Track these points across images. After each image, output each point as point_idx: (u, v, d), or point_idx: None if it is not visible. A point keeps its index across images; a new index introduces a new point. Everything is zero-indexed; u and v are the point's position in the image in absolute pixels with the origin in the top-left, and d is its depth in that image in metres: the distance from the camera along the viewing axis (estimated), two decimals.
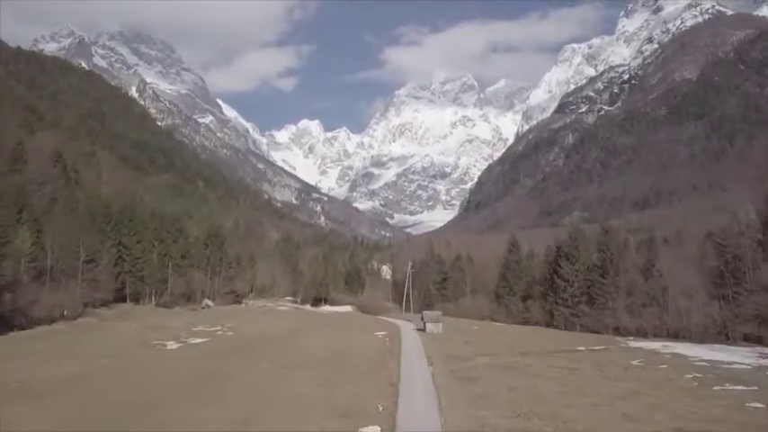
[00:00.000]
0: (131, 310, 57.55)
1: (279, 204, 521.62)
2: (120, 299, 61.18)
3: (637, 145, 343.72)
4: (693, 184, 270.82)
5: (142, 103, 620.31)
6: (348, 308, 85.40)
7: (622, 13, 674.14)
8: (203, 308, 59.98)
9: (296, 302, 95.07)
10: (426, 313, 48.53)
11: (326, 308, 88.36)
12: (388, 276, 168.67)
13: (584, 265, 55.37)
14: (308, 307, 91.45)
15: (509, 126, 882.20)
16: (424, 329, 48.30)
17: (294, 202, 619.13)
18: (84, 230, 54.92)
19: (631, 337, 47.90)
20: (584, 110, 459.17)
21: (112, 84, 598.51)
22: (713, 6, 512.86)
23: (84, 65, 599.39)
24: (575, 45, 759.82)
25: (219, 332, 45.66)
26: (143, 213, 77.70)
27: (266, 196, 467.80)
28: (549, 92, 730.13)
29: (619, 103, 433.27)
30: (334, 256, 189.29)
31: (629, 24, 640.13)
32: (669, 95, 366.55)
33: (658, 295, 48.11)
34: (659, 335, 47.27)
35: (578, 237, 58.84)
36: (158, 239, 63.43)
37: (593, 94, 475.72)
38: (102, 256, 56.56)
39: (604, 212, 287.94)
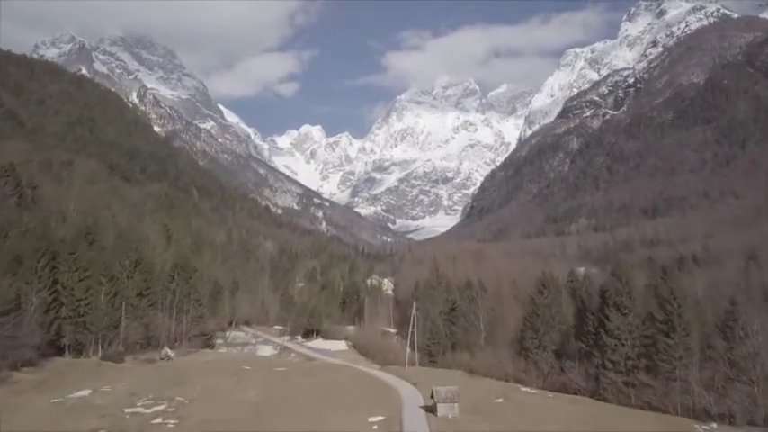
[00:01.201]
0: (65, 369, 45.17)
1: (280, 211, 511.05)
2: (60, 350, 48.83)
3: (644, 150, 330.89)
4: (704, 190, 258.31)
5: (143, 108, 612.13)
6: (342, 344, 73.00)
7: (625, 16, 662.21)
8: (162, 359, 47.88)
9: (285, 333, 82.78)
10: (438, 390, 36.20)
11: (318, 342, 75.87)
12: (390, 291, 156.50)
13: (638, 317, 42.51)
14: (297, 341, 79.08)
15: (511, 131, 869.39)
16: (434, 410, 35.95)
17: (296, 207, 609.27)
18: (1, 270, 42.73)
19: (714, 424, 35.59)
20: (588, 114, 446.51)
21: (112, 89, 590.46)
22: (718, 10, 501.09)
23: (84, 71, 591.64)
24: (577, 49, 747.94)
25: (159, 419, 33.38)
26: (103, 238, 65.44)
27: (265, 203, 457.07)
28: (552, 96, 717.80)
29: (624, 108, 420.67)
30: (333, 271, 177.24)
31: (632, 28, 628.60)
32: (676, 99, 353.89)
33: (747, 365, 35.72)
34: (755, 422, 34.85)
35: (629, 280, 45.13)
36: (108, 276, 50.89)
37: (597, 99, 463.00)
38: (29, 301, 44.36)
39: (612, 220, 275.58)
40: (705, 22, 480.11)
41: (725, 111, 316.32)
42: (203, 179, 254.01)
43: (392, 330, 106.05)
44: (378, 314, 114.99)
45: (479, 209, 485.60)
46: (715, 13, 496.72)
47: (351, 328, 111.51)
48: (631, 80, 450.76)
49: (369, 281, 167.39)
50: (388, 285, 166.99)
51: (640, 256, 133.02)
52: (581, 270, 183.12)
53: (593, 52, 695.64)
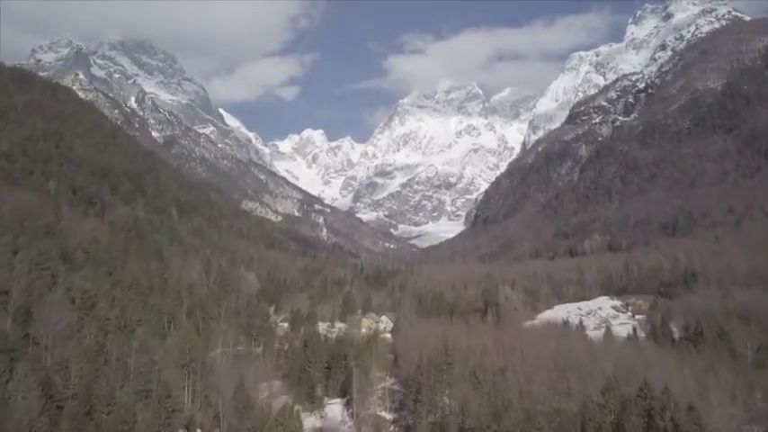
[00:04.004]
0: None
1: (280, 218, 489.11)
2: None
3: (659, 160, 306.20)
4: (729, 205, 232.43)
5: (141, 113, 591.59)
6: None
7: (631, 19, 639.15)
8: None
9: None
10: None
11: None
12: (388, 334, 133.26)
13: None
14: None
15: (515, 135, 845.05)
16: None
17: (296, 214, 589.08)
18: None
19: None
20: (597, 120, 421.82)
21: (110, 95, 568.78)
22: (729, 12, 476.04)
23: (81, 75, 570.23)
24: (582, 53, 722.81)
25: None
26: None
27: (261, 212, 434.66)
28: (557, 100, 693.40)
29: (635, 114, 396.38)
30: (324, 306, 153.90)
31: (638, 31, 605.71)
32: (692, 106, 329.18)
33: None
34: None
35: None
36: None
37: (605, 104, 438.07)
38: None
39: (628, 237, 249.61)
40: (717, 25, 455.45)
41: (746, 119, 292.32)
42: (188, 195, 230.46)
43: (387, 417, 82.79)
44: (371, 384, 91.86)
45: (484, 218, 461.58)
46: (726, 16, 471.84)
47: (335, 404, 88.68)
48: (642, 85, 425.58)
49: (364, 321, 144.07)
50: (386, 324, 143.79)
51: (689, 304, 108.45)
52: (608, 309, 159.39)
53: (598, 56, 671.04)
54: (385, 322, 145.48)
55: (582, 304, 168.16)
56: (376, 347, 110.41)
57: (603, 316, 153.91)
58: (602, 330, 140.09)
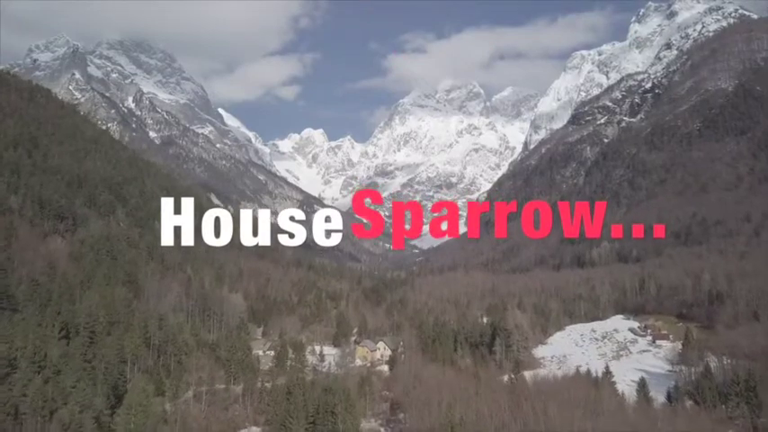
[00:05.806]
0: None
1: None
2: None
3: (669, 164, 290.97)
4: (746, 212, 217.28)
5: (139, 113, 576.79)
6: None
7: (634, 18, 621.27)
8: None
9: None
10: None
11: None
12: (385, 365, 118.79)
13: None
14: None
15: (516, 135, 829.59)
16: None
17: None
18: None
19: None
20: (602, 121, 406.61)
21: (107, 94, 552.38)
22: (736, 10, 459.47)
23: (78, 75, 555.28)
24: (584, 51, 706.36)
25: None
26: None
27: (257, 215, 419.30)
28: (559, 100, 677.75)
29: (641, 115, 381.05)
30: (316, 327, 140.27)
31: (641, 30, 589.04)
32: (703, 107, 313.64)
33: None
34: None
35: None
36: None
37: (610, 104, 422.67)
38: None
39: (638, 245, 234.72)
40: (724, 24, 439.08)
41: (759, 120, 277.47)
42: (178, 202, 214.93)
43: None
44: None
45: (486, 220, 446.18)
46: (733, 14, 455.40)
47: None
48: (648, 85, 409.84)
49: (359, 349, 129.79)
50: (383, 352, 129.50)
51: (728, 340, 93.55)
52: (625, 331, 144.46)
53: (600, 55, 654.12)
54: (382, 349, 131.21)
55: (595, 325, 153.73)
56: (370, 389, 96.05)
57: (620, 340, 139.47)
58: (622, 360, 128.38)
